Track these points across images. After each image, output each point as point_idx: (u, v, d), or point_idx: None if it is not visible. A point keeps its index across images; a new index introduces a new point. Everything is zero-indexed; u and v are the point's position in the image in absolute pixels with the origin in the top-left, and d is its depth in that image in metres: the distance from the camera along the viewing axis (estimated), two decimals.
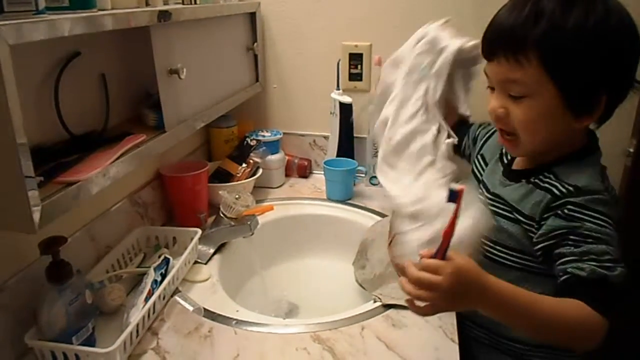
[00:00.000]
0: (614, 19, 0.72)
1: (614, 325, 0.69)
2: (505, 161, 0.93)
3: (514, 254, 0.84)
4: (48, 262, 0.76)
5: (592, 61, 0.72)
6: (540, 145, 0.81)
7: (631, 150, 1.28)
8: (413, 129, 0.85)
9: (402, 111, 0.87)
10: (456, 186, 0.62)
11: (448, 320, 0.90)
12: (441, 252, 0.66)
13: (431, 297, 0.66)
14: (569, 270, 0.73)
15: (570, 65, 0.72)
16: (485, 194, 0.92)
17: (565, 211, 0.76)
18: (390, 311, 0.94)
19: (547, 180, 0.80)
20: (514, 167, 0.90)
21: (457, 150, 1.03)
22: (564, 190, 0.77)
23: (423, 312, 0.70)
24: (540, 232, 0.78)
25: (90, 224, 0.97)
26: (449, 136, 0.86)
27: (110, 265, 0.98)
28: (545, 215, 0.78)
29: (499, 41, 0.76)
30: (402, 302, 0.94)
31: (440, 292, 0.65)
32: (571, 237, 0.74)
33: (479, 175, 0.98)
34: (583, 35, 0.71)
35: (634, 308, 1.39)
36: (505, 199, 0.86)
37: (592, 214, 0.74)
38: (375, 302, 0.97)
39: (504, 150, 0.94)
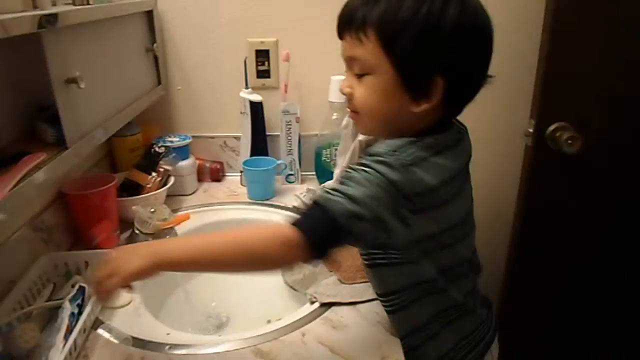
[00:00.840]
0: (453, 9, 0.71)
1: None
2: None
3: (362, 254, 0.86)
4: None
5: (423, 44, 0.72)
6: (379, 125, 0.81)
7: (530, 130, 1.36)
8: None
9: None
10: None
11: (385, 316, 0.90)
12: None
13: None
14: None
15: (403, 44, 0.72)
16: None
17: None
18: (329, 312, 0.93)
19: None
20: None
21: None
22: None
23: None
24: None
25: None
26: None
27: (17, 303, 0.87)
28: None
29: (344, 20, 0.78)
30: (340, 299, 0.95)
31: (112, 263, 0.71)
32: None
33: None
34: (417, 17, 0.71)
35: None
36: None
37: (360, 166, 0.72)
38: (312, 303, 0.96)
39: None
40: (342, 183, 0.71)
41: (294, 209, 0.72)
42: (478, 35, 0.74)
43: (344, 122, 1.18)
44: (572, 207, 1.44)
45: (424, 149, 0.73)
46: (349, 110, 0.85)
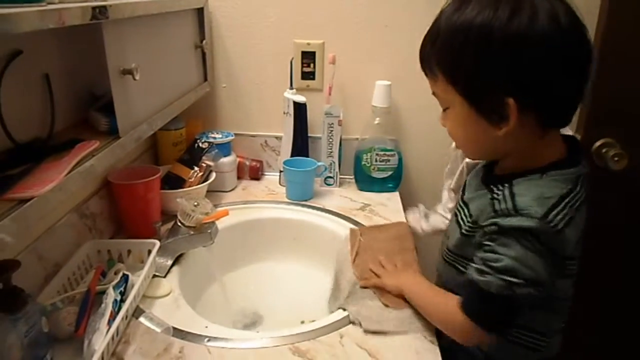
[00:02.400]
0: (504, 27, 0.69)
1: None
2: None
3: (467, 260, 0.85)
4: None
5: (480, 68, 0.72)
6: (478, 151, 0.86)
7: None
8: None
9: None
10: None
11: (425, 322, 0.89)
12: None
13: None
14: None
15: (463, 73, 0.74)
16: (460, 199, 0.92)
17: (490, 227, 0.76)
18: None
19: (501, 191, 0.78)
20: (496, 172, 0.88)
21: None
22: (502, 206, 0.75)
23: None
24: (474, 240, 0.82)
25: (36, 241, 0.88)
26: None
27: (61, 286, 0.89)
28: (482, 224, 0.79)
29: (420, 60, 0.82)
30: (385, 328, 0.89)
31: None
32: (485, 246, 0.77)
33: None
34: (469, 45, 0.72)
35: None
36: (470, 207, 0.85)
37: (513, 238, 0.73)
38: (354, 324, 0.91)
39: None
40: (492, 251, 0.75)
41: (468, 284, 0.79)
42: (545, 48, 0.70)
43: (454, 145, 1.19)
44: (616, 225, 1.40)
45: (571, 207, 0.75)
46: None
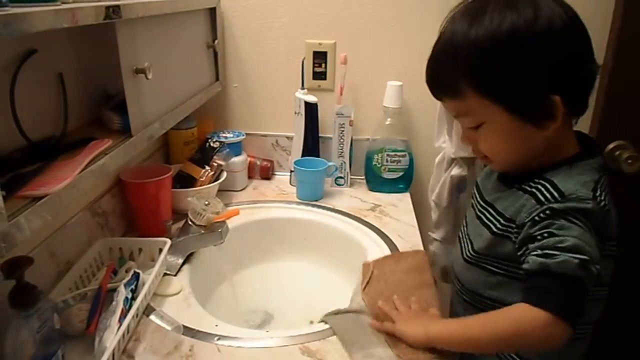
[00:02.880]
0: (527, 24, 0.70)
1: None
2: None
3: (498, 260, 0.84)
4: (10, 286, 0.68)
5: (519, 71, 0.71)
6: (517, 161, 0.82)
7: None
8: None
9: None
10: None
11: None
12: None
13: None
14: (523, 266, 0.74)
15: (499, 82, 0.73)
16: (479, 201, 0.91)
17: (542, 215, 0.73)
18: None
19: (535, 185, 0.78)
20: (510, 172, 0.88)
21: None
22: (548, 195, 0.75)
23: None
24: (520, 237, 0.78)
25: (49, 239, 0.89)
26: None
27: (73, 283, 0.90)
28: (526, 220, 0.76)
29: (433, 84, 0.80)
30: None
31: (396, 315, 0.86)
32: (539, 235, 0.73)
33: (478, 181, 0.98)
34: (498, 50, 0.71)
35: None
36: (497, 207, 0.85)
37: (570, 219, 0.71)
38: None
39: None
40: (552, 235, 0.71)
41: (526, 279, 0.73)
42: (572, 39, 0.73)
43: (438, 159, 1.26)
44: (629, 229, 1.38)
45: (605, 192, 0.76)
46: (476, 155, 0.87)
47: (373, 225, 1.24)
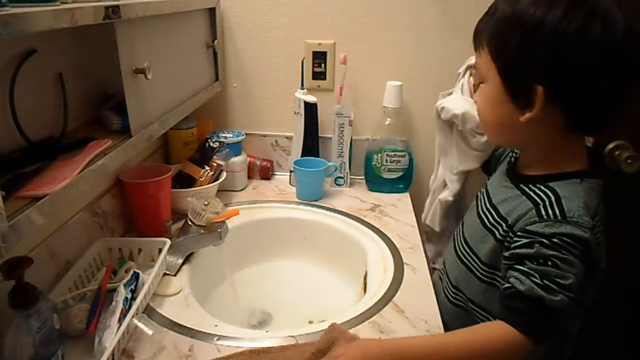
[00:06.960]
0: (558, 21, 0.72)
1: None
2: (512, 160, 0.96)
3: (485, 267, 0.87)
4: (10, 286, 0.68)
5: (525, 49, 0.75)
6: (500, 134, 0.87)
7: (588, 146, 1.31)
8: None
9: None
10: None
11: (434, 323, 0.89)
12: None
13: None
14: (510, 280, 0.76)
15: (509, 51, 0.77)
16: (487, 204, 0.92)
17: (539, 231, 0.76)
18: (376, 317, 0.92)
19: (539, 194, 0.80)
20: (520, 170, 0.90)
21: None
22: (550, 212, 0.76)
23: None
24: (511, 247, 0.80)
25: (48, 239, 0.89)
26: None
27: (73, 283, 0.90)
28: (521, 224, 0.79)
29: (475, 33, 0.86)
30: None
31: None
32: (541, 259, 0.75)
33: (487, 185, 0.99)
34: (522, 23, 0.75)
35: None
36: (499, 211, 0.86)
37: (571, 251, 0.74)
38: None
39: (511, 159, 0.98)
40: (555, 266, 0.73)
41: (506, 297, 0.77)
42: (589, 54, 0.72)
43: (432, 178, 1.29)
44: (628, 228, 1.38)
45: (603, 219, 0.79)
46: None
47: (373, 225, 1.24)
